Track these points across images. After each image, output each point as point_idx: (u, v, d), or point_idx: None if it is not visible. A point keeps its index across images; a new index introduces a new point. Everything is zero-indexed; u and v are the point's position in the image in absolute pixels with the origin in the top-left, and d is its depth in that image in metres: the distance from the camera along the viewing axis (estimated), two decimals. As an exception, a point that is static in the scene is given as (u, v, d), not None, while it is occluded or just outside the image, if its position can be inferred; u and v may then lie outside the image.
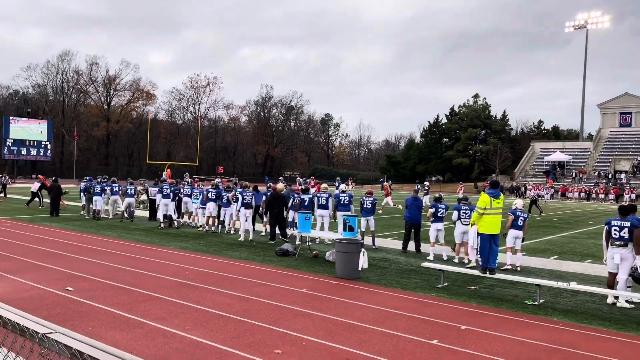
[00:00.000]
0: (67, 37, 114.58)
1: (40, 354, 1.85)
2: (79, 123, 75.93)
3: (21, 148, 55.54)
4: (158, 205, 17.43)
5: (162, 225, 16.93)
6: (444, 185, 71.36)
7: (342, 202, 14.46)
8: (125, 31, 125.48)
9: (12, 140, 54.56)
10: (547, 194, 47.22)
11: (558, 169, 64.20)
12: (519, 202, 11.86)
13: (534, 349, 6.19)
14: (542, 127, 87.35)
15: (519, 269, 11.33)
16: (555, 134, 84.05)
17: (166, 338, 6.11)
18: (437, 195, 13.68)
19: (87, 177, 21.57)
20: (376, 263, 11.69)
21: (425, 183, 39.36)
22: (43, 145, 57.70)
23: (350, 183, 39.90)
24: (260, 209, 15.61)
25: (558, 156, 65.11)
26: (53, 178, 22.06)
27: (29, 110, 64.06)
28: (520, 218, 11.47)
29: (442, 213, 12.84)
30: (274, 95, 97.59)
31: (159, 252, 12.35)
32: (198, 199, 17.39)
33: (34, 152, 56.85)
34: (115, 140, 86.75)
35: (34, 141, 56.57)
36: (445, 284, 9.61)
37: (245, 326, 6.67)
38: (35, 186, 23.88)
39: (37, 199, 23.83)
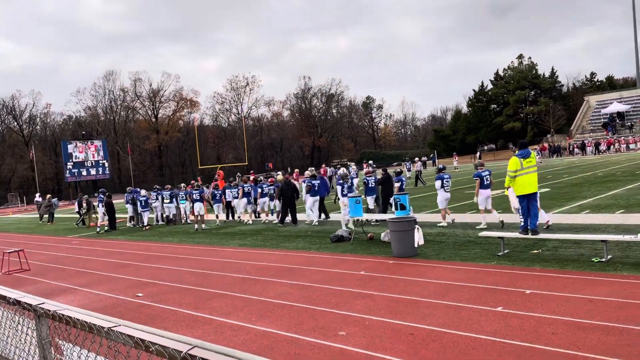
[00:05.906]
0: (108, 57, 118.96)
1: (108, 346, 1.99)
2: (131, 138, 79.00)
3: (81, 169, 58.36)
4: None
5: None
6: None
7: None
8: (160, 44, 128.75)
9: (72, 163, 57.41)
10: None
11: (617, 120, 61.07)
12: None
13: (604, 306, 5.99)
14: (596, 79, 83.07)
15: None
16: (611, 85, 79.70)
17: (234, 331, 6.33)
18: (478, 162, 13.66)
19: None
20: (433, 238, 11.59)
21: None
22: (101, 164, 60.36)
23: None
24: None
25: (616, 107, 61.97)
26: (107, 194, 21.50)
27: (83, 132, 67.00)
28: None
29: (487, 180, 12.71)
30: (313, 85, 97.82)
31: (220, 252, 12.73)
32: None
33: (93, 171, 59.57)
34: (166, 151, 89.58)
35: (92, 161, 59.29)
36: (506, 251, 9.42)
37: (308, 312, 6.80)
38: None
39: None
